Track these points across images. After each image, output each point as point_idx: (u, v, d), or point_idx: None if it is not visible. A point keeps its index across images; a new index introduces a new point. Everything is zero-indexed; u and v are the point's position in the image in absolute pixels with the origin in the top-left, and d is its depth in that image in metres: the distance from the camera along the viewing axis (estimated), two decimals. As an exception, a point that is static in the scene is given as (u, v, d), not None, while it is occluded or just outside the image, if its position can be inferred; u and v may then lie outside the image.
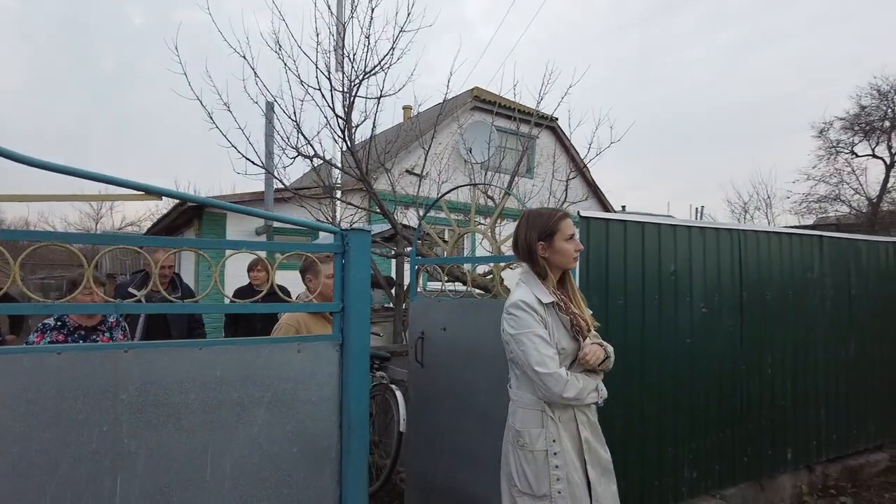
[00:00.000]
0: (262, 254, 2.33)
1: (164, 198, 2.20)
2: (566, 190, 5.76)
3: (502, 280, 4.36)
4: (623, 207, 32.56)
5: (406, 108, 17.53)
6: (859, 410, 4.36)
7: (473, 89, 14.63)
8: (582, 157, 15.43)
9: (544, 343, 2.03)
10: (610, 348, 2.13)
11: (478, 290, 4.56)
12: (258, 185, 8.34)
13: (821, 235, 4.19)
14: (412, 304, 3.46)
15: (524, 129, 8.29)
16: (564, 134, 15.38)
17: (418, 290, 4.45)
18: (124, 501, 1.86)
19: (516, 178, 6.04)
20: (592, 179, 16.62)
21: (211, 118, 4.77)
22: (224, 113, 5.11)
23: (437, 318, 3.27)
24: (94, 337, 3.00)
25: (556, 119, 15.23)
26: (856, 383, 4.34)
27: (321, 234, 10.21)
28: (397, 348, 4.81)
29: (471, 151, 8.84)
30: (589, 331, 2.12)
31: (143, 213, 29.20)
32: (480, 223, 6.42)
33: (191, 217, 10.87)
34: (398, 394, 4.15)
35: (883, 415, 4.53)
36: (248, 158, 4.93)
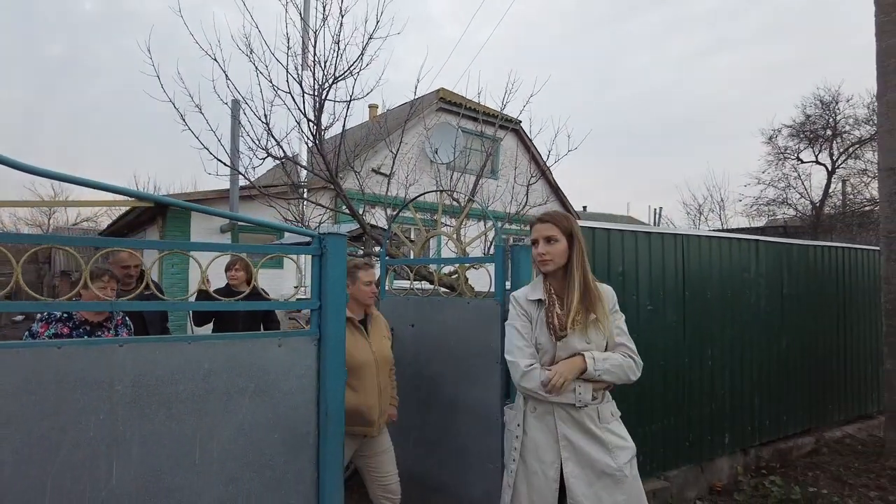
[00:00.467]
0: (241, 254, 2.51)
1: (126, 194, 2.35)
2: (527, 194, 6.04)
3: (467, 279, 4.62)
4: (584, 208, 33.35)
5: (372, 107, 17.65)
6: (789, 399, 4.79)
7: (439, 90, 14.84)
8: (544, 159, 15.83)
9: (518, 334, 2.27)
10: (605, 364, 2.16)
11: (444, 289, 4.80)
12: (223, 183, 8.38)
13: (757, 240, 4.59)
14: (381, 302, 3.67)
15: (489, 130, 8.56)
16: (527, 136, 15.76)
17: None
18: (119, 483, 2.03)
19: (481, 180, 6.29)
20: (554, 181, 17.08)
21: (184, 120, 4.86)
22: (193, 113, 5.20)
23: (406, 315, 3.49)
24: (99, 333, 3.11)
25: (520, 122, 15.62)
26: (786, 374, 4.76)
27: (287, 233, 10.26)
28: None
29: (437, 153, 9.06)
30: (563, 330, 2.16)
31: (101, 210, 28.39)
32: (446, 225, 6.66)
33: (154, 214, 10.78)
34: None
35: (810, 403, 4.98)
36: (220, 160, 5.04)
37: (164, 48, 5.52)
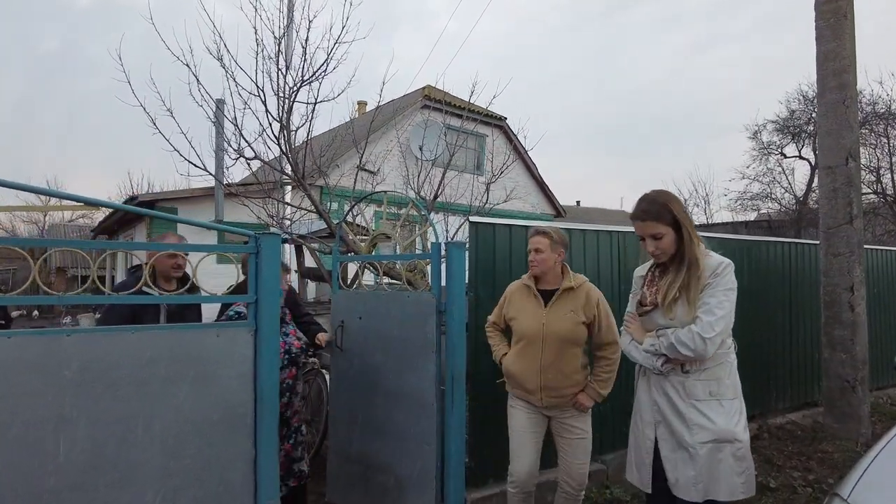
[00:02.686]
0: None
1: (122, 197, 2.60)
2: (487, 191, 6.28)
3: (424, 275, 4.88)
4: (577, 203, 33.51)
5: (361, 104, 17.85)
6: (732, 386, 5.04)
7: (425, 87, 15.05)
8: (531, 158, 15.93)
9: (630, 304, 2.63)
10: (659, 342, 2.38)
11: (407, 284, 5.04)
12: (211, 182, 8.62)
13: (710, 236, 4.83)
14: (334, 296, 3.92)
15: (476, 127, 8.73)
16: (513, 132, 15.98)
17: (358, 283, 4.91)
18: (67, 458, 2.27)
19: (459, 175, 6.49)
20: (540, 177, 17.32)
21: (154, 123, 5.09)
22: (169, 116, 5.42)
23: (355, 308, 3.74)
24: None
25: (505, 119, 15.83)
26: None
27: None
28: (329, 337, 5.25)
29: (421, 149, 9.28)
30: (646, 306, 2.48)
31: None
32: (418, 215, 6.87)
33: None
34: (328, 377, 4.62)
35: (754, 390, 5.23)
36: (190, 162, 5.27)
37: (155, 43, 5.73)
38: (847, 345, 5.01)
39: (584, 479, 2.97)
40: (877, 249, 6.60)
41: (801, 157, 18.55)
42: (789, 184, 19.03)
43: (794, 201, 18.70)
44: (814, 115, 18.18)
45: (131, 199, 10.96)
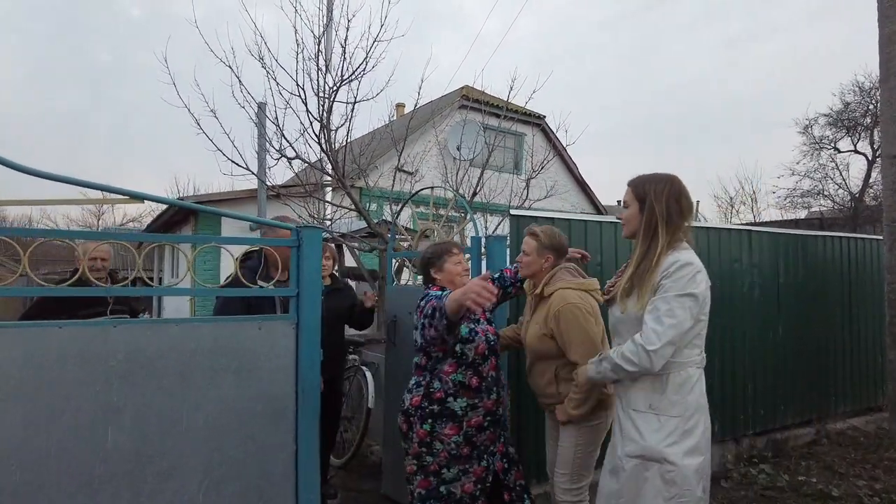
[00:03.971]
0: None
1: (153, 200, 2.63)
2: (527, 187, 6.17)
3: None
4: (619, 202, 32.94)
5: (399, 106, 17.94)
6: (786, 389, 4.80)
7: (463, 88, 15.01)
8: (570, 156, 15.73)
9: None
10: (602, 367, 2.20)
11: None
12: (254, 184, 8.80)
13: (749, 230, 4.63)
14: (387, 291, 3.90)
15: (514, 126, 8.62)
16: (553, 132, 15.77)
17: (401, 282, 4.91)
18: (114, 446, 2.30)
19: (498, 175, 6.41)
20: (581, 176, 17.04)
21: (198, 124, 5.19)
22: (213, 117, 5.52)
23: (406, 303, 3.70)
24: None
25: (544, 117, 15.64)
26: (783, 364, 4.78)
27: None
28: (370, 335, 5.24)
29: (459, 149, 9.23)
30: (606, 295, 2.30)
31: (144, 210, 29.73)
32: (458, 215, 6.83)
33: (187, 214, 11.32)
34: (368, 374, 4.60)
35: (810, 393, 4.97)
36: (233, 161, 5.36)
37: (200, 48, 5.87)
38: (914, 346, 4.69)
39: (559, 489, 2.67)
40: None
41: (856, 152, 17.68)
42: (843, 180, 18.18)
43: (848, 198, 17.82)
44: (871, 106, 17.34)
45: (172, 206, 11.29)
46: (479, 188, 6.02)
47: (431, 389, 2.63)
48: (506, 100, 6.68)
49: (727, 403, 4.39)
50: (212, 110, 5.41)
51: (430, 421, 2.61)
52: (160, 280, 15.73)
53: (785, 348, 4.78)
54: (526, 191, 6.34)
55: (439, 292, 2.63)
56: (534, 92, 6.61)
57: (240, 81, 5.55)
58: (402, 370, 3.64)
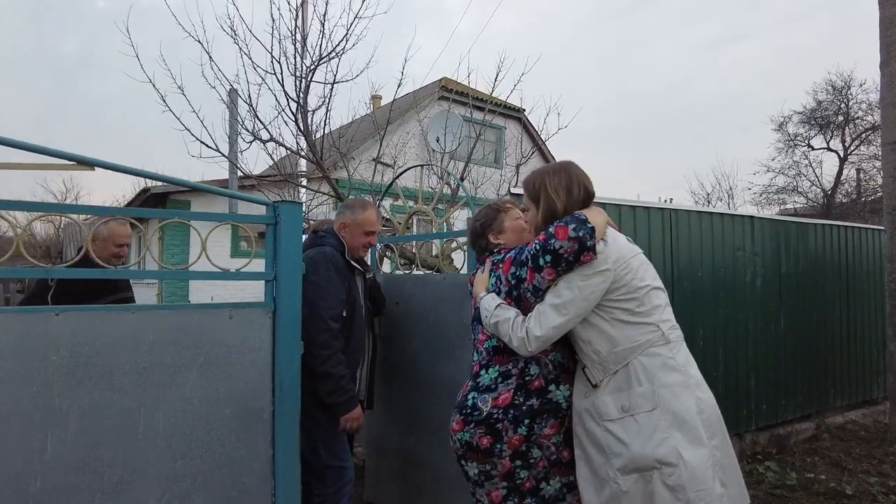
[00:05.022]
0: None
1: (124, 176, 2.26)
2: (517, 173, 5.91)
3: (451, 260, 4.51)
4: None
5: (376, 98, 17.54)
6: (788, 382, 4.62)
7: (442, 79, 14.70)
8: (549, 150, 15.58)
9: None
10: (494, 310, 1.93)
11: (428, 271, 4.69)
12: (226, 173, 8.35)
13: (752, 217, 4.42)
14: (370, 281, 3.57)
15: (494, 119, 8.40)
16: (531, 125, 15.57)
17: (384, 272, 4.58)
18: (55, 456, 1.94)
19: (479, 169, 6.17)
20: (559, 170, 16.90)
21: (164, 100, 4.78)
22: (180, 97, 5.11)
23: (392, 293, 3.39)
24: None
25: (524, 110, 15.43)
26: (785, 357, 4.59)
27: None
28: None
29: (438, 140, 8.93)
30: None
31: (110, 201, 28.72)
32: (436, 208, 6.52)
33: (155, 203, 10.78)
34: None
35: (811, 387, 4.81)
36: (202, 141, 4.97)
37: (166, 41, 5.43)
38: (916, 337, 4.55)
39: None
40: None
41: (829, 149, 17.91)
42: (816, 177, 18.41)
43: (821, 195, 18.06)
44: (842, 105, 17.60)
45: (143, 192, 10.71)
46: (465, 175, 5.72)
47: (527, 377, 1.93)
48: (489, 90, 6.41)
49: (731, 397, 4.18)
50: (179, 87, 4.99)
51: (526, 422, 1.90)
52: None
53: (786, 340, 4.60)
54: (516, 177, 6.05)
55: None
56: (518, 81, 6.37)
57: (210, 58, 5.15)
58: (386, 364, 3.34)
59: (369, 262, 3.18)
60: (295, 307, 2.39)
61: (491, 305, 1.93)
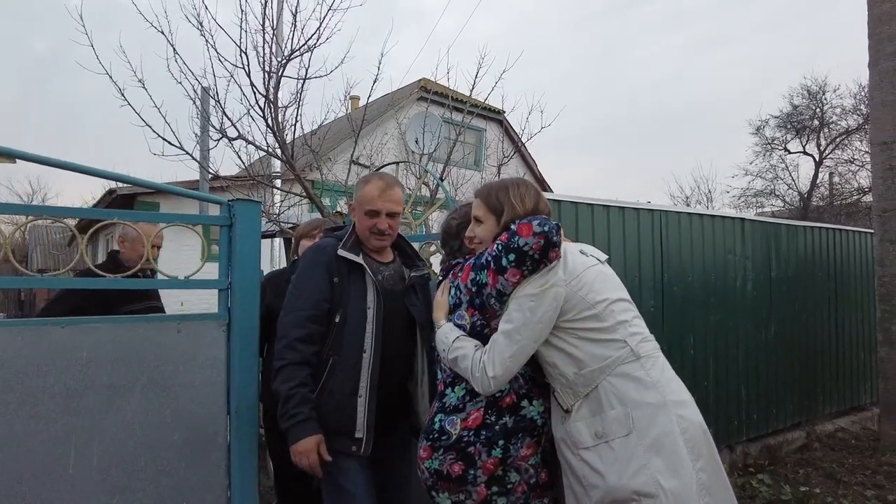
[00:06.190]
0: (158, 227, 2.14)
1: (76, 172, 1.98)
2: (498, 174, 5.71)
3: (430, 265, 4.28)
4: (574, 203, 33.11)
5: (353, 99, 17.25)
6: (779, 391, 4.47)
7: (421, 80, 14.48)
8: (528, 152, 15.39)
9: None
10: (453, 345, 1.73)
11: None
12: (195, 174, 7.99)
13: (742, 218, 4.27)
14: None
15: (474, 121, 8.21)
16: (511, 127, 15.43)
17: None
18: (-36, 498, 1.66)
19: (460, 171, 5.97)
20: (540, 174, 16.77)
21: (122, 94, 4.48)
22: (151, 92, 4.78)
23: None
24: None
25: (503, 112, 15.27)
26: (776, 364, 4.44)
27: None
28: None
29: (417, 142, 8.70)
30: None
31: (79, 203, 27.94)
32: (413, 210, 6.30)
33: (122, 205, 10.34)
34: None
35: (800, 395, 4.67)
36: (164, 139, 4.66)
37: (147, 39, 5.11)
38: (908, 342, 4.44)
39: None
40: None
41: (804, 153, 18.10)
42: (793, 180, 18.60)
43: (798, 198, 18.24)
44: (817, 110, 17.80)
45: (109, 193, 10.28)
46: (445, 176, 5.50)
47: (497, 394, 1.72)
48: (468, 92, 6.21)
49: (721, 408, 4.01)
50: (140, 81, 4.68)
51: (501, 443, 1.70)
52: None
53: (777, 348, 4.45)
54: (497, 178, 5.84)
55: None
56: (497, 82, 6.19)
57: (174, 50, 4.84)
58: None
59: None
60: (252, 318, 2.13)
61: (449, 338, 1.72)
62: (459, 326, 1.77)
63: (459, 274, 1.82)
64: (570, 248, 1.72)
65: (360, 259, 1.98)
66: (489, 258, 1.66)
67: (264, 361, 2.44)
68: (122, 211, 6.63)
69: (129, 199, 10.08)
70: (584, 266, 1.67)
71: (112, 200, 10.11)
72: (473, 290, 1.73)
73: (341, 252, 1.97)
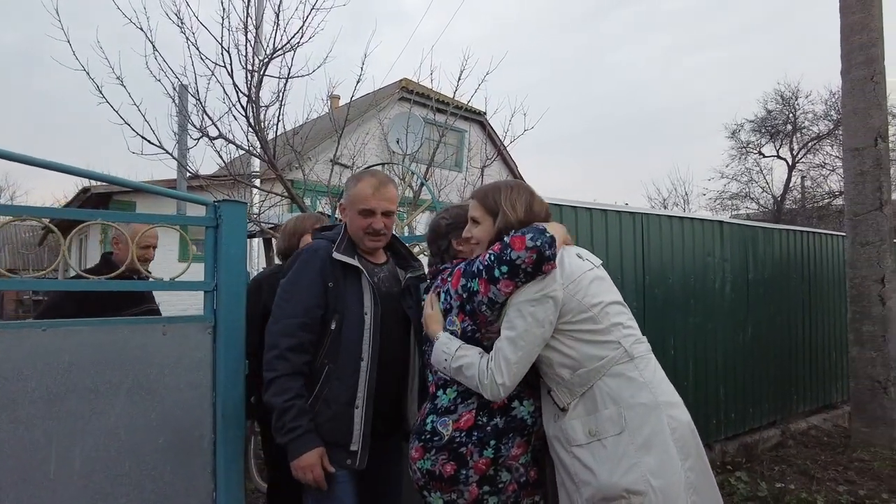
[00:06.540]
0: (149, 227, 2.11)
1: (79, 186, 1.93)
2: (481, 177, 5.74)
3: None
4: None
5: (333, 98, 17.14)
6: (755, 390, 4.57)
7: (402, 80, 14.46)
8: (510, 154, 15.50)
9: None
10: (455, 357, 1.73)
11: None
12: (172, 172, 7.85)
13: (721, 221, 4.36)
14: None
15: (456, 122, 8.23)
16: (492, 128, 15.50)
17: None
18: (-59, 505, 1.62)
19: (443, 172, 5.99)
20: (519, 175, 16.88)
21: (100, 91, 4.39)
22: (128, 90, 4.69)
23: None
24: None
25: (485, 113, 15.34)
26: (753, 365, 4.54)
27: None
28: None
29: (398, 142, 8.68)
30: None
31: (50, 202, 27.28)
32: (401, 211, 6.29)
33: (96, 204, 10.13)
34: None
35: (775, 394, 4.78)
36: (143, 137, 4.58)
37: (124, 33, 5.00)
38: (878, 342, 4.58)
39: None
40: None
41: (778, 157, 18.52)
42: (767, 183, 19.01)
43: (771, 201, 18.65)
44: (790, 115, 18.22)
45: (84, 192, 10.06)
46: (428, 177, 5.50)
47: None
48: (450, 93, 6.23)
49: (701, 408, 4.07)
50: (118, 78, 4.60)
51: (492, 443, 1.72)
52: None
53: (754, 348, 4.55)
54: (481, 179, 5.88)
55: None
56: (480, 84, 6.22)
57: (154, 47, 4.76)
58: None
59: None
60: (238, 320, 2.11)
61: (451, 348, 1.71)
62: (451, 332, 1.77)
63: (448, 279, 1.83)
64: (567, 252, 1.74)
65: (356, 262, 1.91)
66: (481, 267, 1.67)
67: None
68: (108, 212, 6.53)
69: (105, 198, 9.88)
70: (581, 270, 1.70)
71: (87, 199, 9.90)
72: (464, 296, 1.73)
73: (337, 255, 1.88)
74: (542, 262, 1.59)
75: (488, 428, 1.72)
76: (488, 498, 1.72)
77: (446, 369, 1.72)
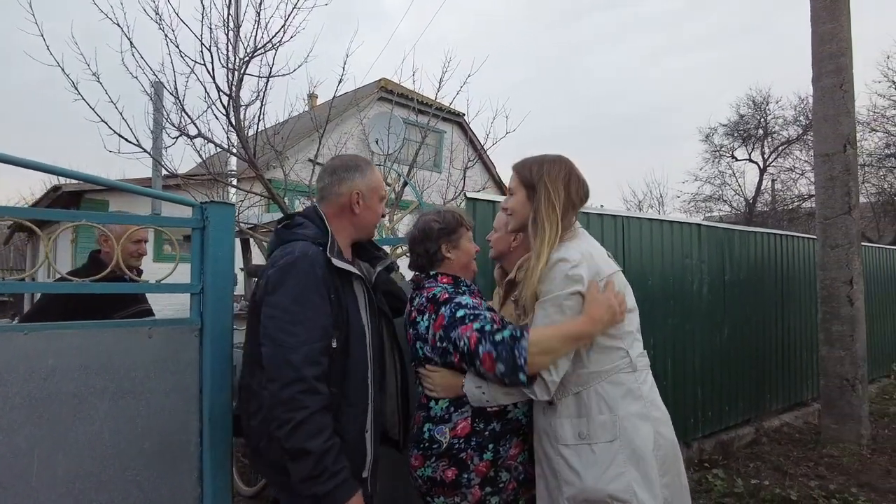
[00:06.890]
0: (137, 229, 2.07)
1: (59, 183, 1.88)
2: (463, 178, 5.76)
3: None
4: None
5: (312, 97, 17.00)
6: (731, 389, 4.68)
7: (381, 80, 14.43)
8: (489, 156, 15.55)
9: None
10: (484, 392, 1.72)
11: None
12: (149, 172, 7.69)
13: (699, 224, 4.45)
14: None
15: (432, 121, 8.23)
16: (471, 129, 15.54)
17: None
18: (-82, 515, 1.57)
19: (423, 173, 6.00)
20: (498, 176, 16.97)
21: (76, 88, 4.29)
22: (104, 87, 4.59)
23: None
24: None
25: (463, 115, 15.39)
26: (728, 365, 4.65)
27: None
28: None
29: (377, 142, 8.66)
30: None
31: (15, 200, 26.47)
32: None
33: (67, 203, 9.87)
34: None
35: (750, 392, 4.90)
36: (120, 135, 4.49)
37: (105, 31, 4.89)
38: (846, 341, 4.73)
39: None
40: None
41: (750, 160, 18.94)
42: (739, 186, 19.44)
43: (744, 203, 19.06)
44: (762, 120, 18.66)
45: (54, 190, 9.79)
46: (410, 178, 5.50)
47: None
48: (430, 93, 6.25)
49: (679, 407, 4.15)
50: (94, 74, 4.50)
51: (491, 446, 1.75)
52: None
53: (730, 349, 4.66)
54: (463, 181, 5.90)
55: (469, 298, 1.82)
56: (462, 86, 6.22)
57: (131, 43, 4.67)
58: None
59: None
60: (225, 323, 2.10)
61: (482, 386, 1.71)
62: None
63: (427, 305, 1.82)
64: (597, 250, 1.74)
65: (353, 268, 1.69)
66: (464, 347, 1.66)
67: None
68: (94, 213, 6.38)
69: (76, 196, 9.63)
70: (612, 269, 1.71)
71: (57, 198, 9.64)
72: (440, 347, 1.76)
73: (337, 262, 1.63)
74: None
75: (486, 433, 1.76)
76: (490, 498, 1.76)
77: (490, 402, 1.72)
